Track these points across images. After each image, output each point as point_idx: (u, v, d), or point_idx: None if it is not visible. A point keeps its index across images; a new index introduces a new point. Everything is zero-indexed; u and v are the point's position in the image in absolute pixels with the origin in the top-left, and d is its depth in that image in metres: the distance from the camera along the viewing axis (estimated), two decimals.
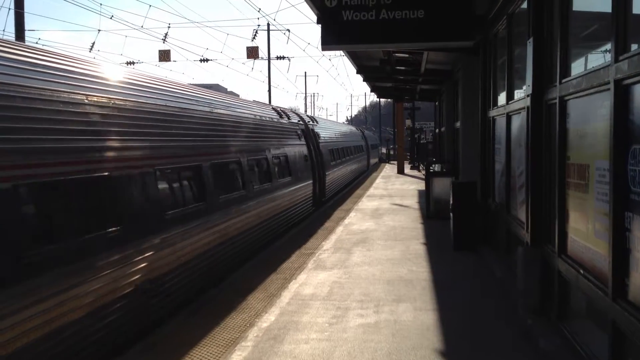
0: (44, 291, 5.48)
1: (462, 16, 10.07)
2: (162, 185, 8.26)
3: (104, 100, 7.15)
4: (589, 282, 5.58)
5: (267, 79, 46.33)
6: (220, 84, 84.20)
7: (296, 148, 17.75)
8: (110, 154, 6.99)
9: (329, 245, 12.98)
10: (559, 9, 6.76)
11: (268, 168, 14.14)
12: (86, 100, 6.78)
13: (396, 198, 22.89)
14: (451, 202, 12.48)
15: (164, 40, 29.79)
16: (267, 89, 44.96)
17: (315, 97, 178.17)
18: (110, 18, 26.60)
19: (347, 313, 7.98)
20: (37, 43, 28.67)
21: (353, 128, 42.45)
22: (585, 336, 5.97)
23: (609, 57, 5.19)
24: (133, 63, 34.70)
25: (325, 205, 21.24)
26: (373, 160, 46.13)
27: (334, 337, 7.02)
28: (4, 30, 23.87)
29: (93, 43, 36.11)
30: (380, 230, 14.98)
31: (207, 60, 36.47)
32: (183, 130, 9.21)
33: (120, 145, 7.24)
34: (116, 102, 7.39)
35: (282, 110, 18.53)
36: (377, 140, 70.81)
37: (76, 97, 6.59)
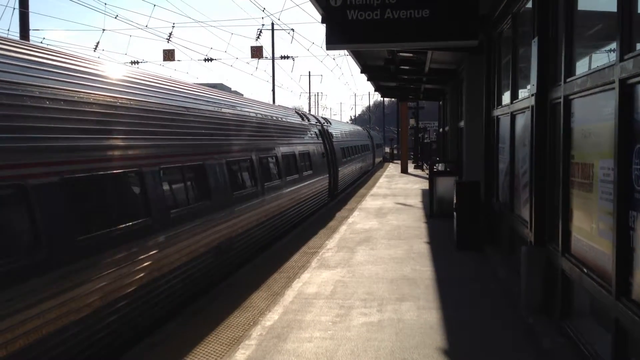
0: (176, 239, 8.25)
1: (467, 16, 10.06)
2: (230, 174, 11.04)
3: (184, 109, 9.49)
4: (592, 280, 5.58)
5: (271, 78, 46.38)
6: (224, 83, 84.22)
7: (315, 146, 20.03)
8: (214, 149, 10.42)
9: (333, 244, 13.00)
10: (564, 8, 6.76)
11: (296, 163, 16.73)
12: (186, 111, 9.51)
13: (400, 197, 22.88)
14: (455, 201, 12.48)
15: (169, 39, 29.86)
16: (271, 88, 44.98)
17: (319, 97, 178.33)
18: (115, 18, 26.66)
19: (350, 312, 7.99)
20: (41, 43, 28.74)
21: (360, 128, 44.64)
22: (588, 335, 5.97)
23: (613, 56, 5.19)
24: (137, 62, 34.75)
25: (338, 197, 23.58)
26: (378, 159, 48.97)
27: (337, 336, 7.03)
28: (8, 30, 23.94)
29: (97, 43, 36.17)
30: (384, 229, 14.99)
31: (211, 59, 36.51)
32: (242, 133, 12.50)
33: (212, 144, 10.42)
34: (201, 111, 10.21)
35: (302, 113, 21.54)
36: (382, 139, 71.59)
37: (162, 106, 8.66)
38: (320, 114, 69.96)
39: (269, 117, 15.04)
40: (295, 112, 20.67)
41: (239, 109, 12.77)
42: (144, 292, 7.33)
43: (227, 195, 10.58)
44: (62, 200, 5.84)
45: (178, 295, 8.42)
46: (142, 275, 7.24)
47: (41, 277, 5.38)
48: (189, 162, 9.15)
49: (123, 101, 7.52)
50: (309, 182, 17.85)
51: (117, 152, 7.08)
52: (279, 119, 16.21)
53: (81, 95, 6.63)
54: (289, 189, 15.18)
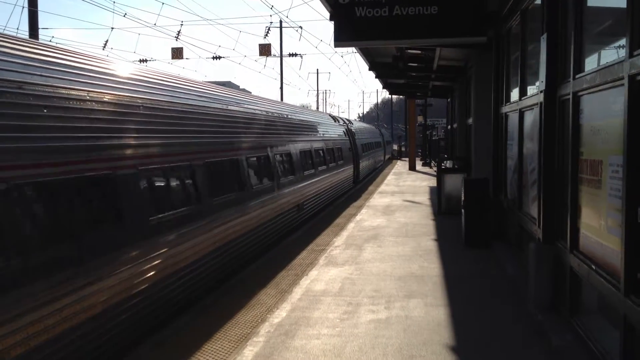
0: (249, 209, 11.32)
1: (475, 12, 10.04)
2: (301, 160, 16.46)
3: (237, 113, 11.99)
4: (601, 277, 5.56)
5: (279, 76, 46.38)
6: (232, 81, 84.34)
7: (344, 143, 25.24)
8: (265, 144, 13.37)
9: (341, 242, 13.00)
10: (573, 4, 6.73)
11: (334, 155, 22.00)
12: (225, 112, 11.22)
13: (407, 194, 22.85)
14: (463, 198, 12.45)
15: (177, 37, 29.97)
16: (280, 86, 45.00)
17: (327, 94, 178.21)
18: (124, 16, 26.71)
19: (358, 309, 7.99)
20: (50, 41, 28.85)
21: (373, 127, 51.18)
22: (597, 332, 5.95)
23: (622, 52, 5.16)
24: (146, 61, 34.84)
25: (359, 184, 28.72)
26: (387, 155, 53.01)
27: (345, 333, 7.04)
28: (17, 29, 24.01)
29: (106, 41, 36.19)
30: (392, 226, 14.97)
31: (219, 57, 36.57)
32: (295, 132, 16.71)
33: (294, 140, 15.87)
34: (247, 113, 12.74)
35: (333, 116, 27.92)
36: (390, 137, 73.66)
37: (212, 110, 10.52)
38: (328, 112, 71.03)
39: (318, 122, 21.37)
40: (329, 115, 27.42)
41: (304, 117, 19.19)
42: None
43: (300, 174, 16.03)
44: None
45: (288, 225, 14.43)
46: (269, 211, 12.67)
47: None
48: (286, 151, 14.93)
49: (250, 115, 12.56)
50: (342, 169, 23.35)
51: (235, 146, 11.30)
52: (324, 123, 22.57)
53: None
54: (331, 173, 20.80)
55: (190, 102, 9.39)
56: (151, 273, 7.18)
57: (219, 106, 10.82)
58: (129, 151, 7.05)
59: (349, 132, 27.25)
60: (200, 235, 8.77)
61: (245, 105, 12.77)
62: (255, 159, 12.32)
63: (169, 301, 7.73)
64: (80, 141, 6.12)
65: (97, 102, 6.61)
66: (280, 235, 13.52)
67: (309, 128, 19.07)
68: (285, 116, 16.20)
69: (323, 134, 21.02)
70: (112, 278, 6.26)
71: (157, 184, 7.92)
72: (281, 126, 15.23)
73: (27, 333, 4.99)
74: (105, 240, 6.29)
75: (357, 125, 35.46)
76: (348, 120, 32.89)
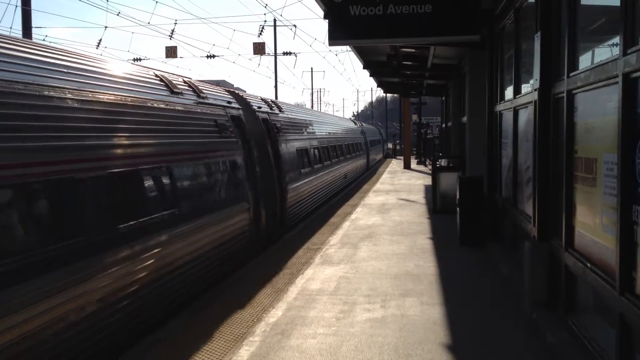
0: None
1: (469, 10, 10.04)
2: (340, 152, 25.64)
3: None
4: (596, 276, 5.57)
5: (273, 74, 46.32)
6: (226, 80, 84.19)
7: (360, 140, 35.15)
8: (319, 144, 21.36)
9: (336, 241, 12.99)
10: (567, 2, 6.74)
11: (355, 147, 31.40)
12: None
13: (403, 193, 22.88)
14: (458, 196, 12.47)
15: (171, 36, 29.90)
16: (274, 84, 44.94)
17: (322, 93, 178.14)
18: (117, 15, 26.70)
19: (354, 308, 7.99)
20: (44, 40, 28.74)
21: (374, 128, 62.26)
22: (592, 330, 5.96)
23: (616, 50, 5.17)
24: (140, 59, 34.74)
25: (369, 170, 38.25)
26: (381, 155, 59.02)
27: (341, 332, 7.03)
28: (11, 28, 23.93)
29: (100, 40, 36.16)
30: (387, 225, 14.98)
31: (213, 56, 36.53)
32: (343, 133, 28.28)
33: (334, 139, 24.98)
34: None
35: (353, 120, 41.38)
36: (385, 135, 76.81)
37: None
38: (322, 111, 72.11)
39: (348, 126, 31.95)
40: (351, 120, 40.45)
41: (344, 124, 30.80)
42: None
43: (345, 157, 26.12)
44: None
45: (324, 196, 20.75)
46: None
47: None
48: (330, 144, 22.81)
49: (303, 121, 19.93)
50: (358, 160, 32.55)
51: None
52: (350, 126, 33.63)
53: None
54: (355, 159, 30.43)
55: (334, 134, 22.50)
56: None
57: (332, 129, 25.54)
58: None
59: (362, 132, 37.74)
60: (347, 166, 26.36)
61: (337, 123, 29.52)
62: (335, 147, 24.48)
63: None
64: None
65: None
66: (342, 187, 25.50)
67: (347, 130, 30.66)
68: (342, 126, 29.96)
69: (350, 134, 31.38)
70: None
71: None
72: (341, 130, 28.27)
73: None
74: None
75: (366, 126, 47.48)
76: (361, 123, 47.08)
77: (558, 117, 7.16)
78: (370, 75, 24.70)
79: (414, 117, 48.72)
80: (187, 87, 10.19)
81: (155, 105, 8.45)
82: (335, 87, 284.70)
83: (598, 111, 5.84)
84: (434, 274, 9.75)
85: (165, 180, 8.24)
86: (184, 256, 8.36)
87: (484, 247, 11.74)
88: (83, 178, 6.21)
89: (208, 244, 9.29)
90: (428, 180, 24.29)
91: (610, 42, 5.88)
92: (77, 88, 6.60)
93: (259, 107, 14.53)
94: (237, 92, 13.98)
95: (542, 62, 7.45)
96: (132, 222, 6.96)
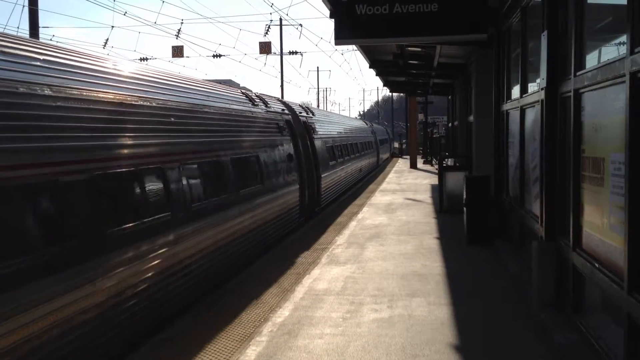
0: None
1: (476, 9, 10.03)
2: (357, 149, 29.22)
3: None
4: (604, 275, 5.55)
5: (279, 74, 46.37)
6: (232, 79, 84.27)
7: (371, 138, 38.22)
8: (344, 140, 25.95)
9: (343, 240, 12.99)
10: (574, 1, 6.71)
11: (366, 146, 34.09)
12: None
13: (409, 193, 22.85)
14: (464, 196, 12.45)
15: (177, 36, 30.01)
16: (280, 84, 44.98)
17: (328, 92, 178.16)
18: (124, 14, 26.80)
19: (361, 308, 7.99)
20: (51, 40, 28.84)
21: (382, 127, 66.24)
22: (600, 330, 5.94)
23: (623, 49, 5.15)
24: (146, 59, 34.82)
25: (379, 167, 41.56)
26: (389, 152, 62.17)
27: (348, 332, 7.03)
28: (18, 27, 24.00)
29: (107, 39, 36.28)
30: (394, 225, 14.97)
31: (219, 55, 36.55)
32: (357, 134, 31.57)
33: (353, 138, 29.34)
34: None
35: (365, 121, 46.99)
36: (392, 134, 77.74)
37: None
38: (329, 109, 72.86)
39: (360, 126, 36.18)
40: (363, 121, 45.16)
41: (358, 125, 35.49)
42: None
43: (357, 155, 28.31)
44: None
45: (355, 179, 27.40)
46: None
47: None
48: (349, 142, 26.00)
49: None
50: (371, 157, 36.15)
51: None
52: (362, 127, 37.42)
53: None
54: (365, 158, 32.73)
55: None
56: None
57: (350, 130, 29.10)
58: None
59: (373, 132, 41.14)
60: (362, 161, 30.80)
61: (353, 125, 33.52)
62: (352, 145, 27.86)
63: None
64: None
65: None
66: (359, 179, 29.47)
67: (361, 130, 34.51)
68: (357, 127, 34.05)
69: (364, 133, 35.09)
70: None
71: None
72: (357, 131, 32.10)
73: None
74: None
75: (376, 126, 51.16)
76: (371, 123, 51.70)
77: (565, 116, 7.13)
78: (377, 75, 24.68)
79: (420, 117, 48.68)
80: (259, 100, 13.97)
81: (246, 114, 12.36)
82: (341, 86, 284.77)
83: (605, 110, 5.82)
84: (441, 274, 9.73)
85: (254, 165, 11.96)
86: (265, 216, 12.04)
87: (491, 247, 11.72)
88: (222, 162, 10.03)
89: (277, 211, 13.04)
90: (434, 180, 24.25)
91: (617, 41, 5.86)
92: (213, 104, 10.49)
93: (300, 112, 18.03)
94: (285, 101, 18.42)
95: (549, 61, 7.42)
96: (247, 188, 11.11)
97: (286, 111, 16.04)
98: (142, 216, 7.05)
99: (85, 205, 6.00)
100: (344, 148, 24.65)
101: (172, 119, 8.48)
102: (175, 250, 7.78)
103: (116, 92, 7.12)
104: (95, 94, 6.68)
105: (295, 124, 16.38)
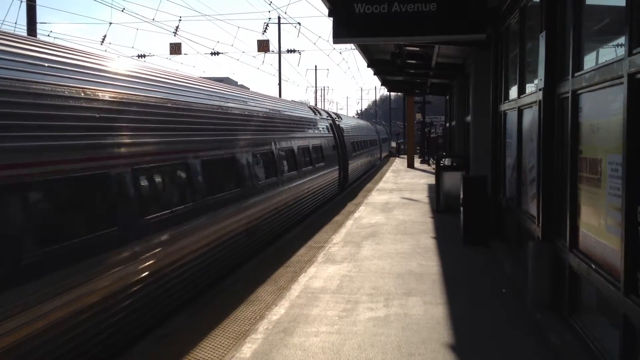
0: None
1: (474, 9, 10.03)
2: (374, 145, 41.19)
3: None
4: (600, 276, 5.56)
5: (277, 72, 46.35)
6: (230, 77, 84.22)
7: (375, 137, 43.16)
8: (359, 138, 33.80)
9: (339, 239, 12.99)
10: (572, 2, 6.72)
11: (372, 143, 39.80)
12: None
13: (406, 192, 22.86)
14: (461, 196, 12.46)
15: (175, 33, 29.92)
16: (278, 82, 44.96)
17: (326, 91, 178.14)
18: (122, 11, 26.76)
19: (357, 306, 7.99)
20: (48, 36, 28.77)
21: (383, 128, 74.06)
22: (596, 331, 5.96)
23: (621, 50, 5.16)
24: (144, 56, 34.78)
25: (382, 161, 48.12)
26: (388, 149, 67.54)
27: (344, 331, 7.03)
28: (15, 23, 24.00)
29: (104, 36, 36.19)
30: (390, 224, 14.97)
31: (217, 53, 36.56)
32: (367, 135, 38.01)
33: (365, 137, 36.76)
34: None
35: (371, 122, 59.31)
36: (389, 134, 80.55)
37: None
38: (326, 108, 74.43)
39: (371, 127, 45.11)
40: (369, 123, 51.81)
41: (368, 125, 44.65)
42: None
43: (367, 149, 35.65)
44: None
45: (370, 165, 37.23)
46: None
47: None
48: (362, 139, 33.53)
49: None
50: (376, 152, 42.37)
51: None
52: (371, 127, 43.74)
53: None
54: (372, 152, 39.06)
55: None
56: None
57: (362, 129, 36.78)
58: None
59: (377, 132, 47.95)
60: (371, 155, 38.38)
61: (364, 126, 40.78)
62: (364, 141, 35.01)
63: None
64: None
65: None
66: (369, 168, 35.91)
67: (369, 130, 40.37)
68: (367, 127, 39.92)
69: (371, 132, 41.40)
70: None
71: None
72: (366, 130, 38.30)
73: None
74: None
75: (378, 127, 59.66)
76: (375, 124, 59.75)
77: (563, 117, 7.14)
78: (375, 74, 24.71)
79: (418, 116, 48.71)
80: (316, 111, 22.56)
81: (313, 121, 19.92)
82: (339, 85, 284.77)
83: (603, 111, 5.83)
84: (438, 273, 9.74)
85: (316, 152, 18.86)
86: (320, 185, 18.79)
87: (487, 247, 11.73)
88: (298, 149, 16.09)
89: (329, 181, 20.62)
90: (431, 179, 24.27)
91: (615, 43, 5.87)
92: (292, 112, 16.84)
93: (335, 118, 25.76)
94: (327, 110, 28.48)
95: (547, 62, 7.43)
96: (316, 165, 18.14)
97: (328, 117, 24.04)
98: (267, 176, 12.98)
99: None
100: (359, 144, 31.96)
101: (290, 125, 16.24)
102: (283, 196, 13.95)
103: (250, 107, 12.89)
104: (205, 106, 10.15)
105: (335, 126, 24.02)
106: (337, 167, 22.40)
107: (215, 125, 10.18)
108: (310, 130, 18.90)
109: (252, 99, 13.56)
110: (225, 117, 10.82)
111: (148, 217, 7.21)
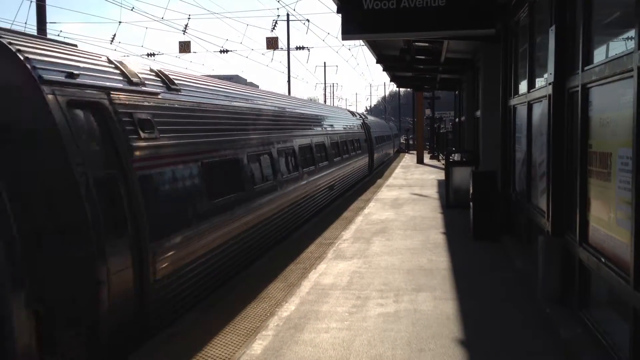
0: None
1: (484, 4, 9.99)
2: (378, 138, 38.96)
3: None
4: (610, 270, 5.54)
5: (286, 69, 46.35)
6: (239, 74, 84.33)
7: (390, 132, 49.80)
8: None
9: (349, 235, 13.00)
10: None
11: (387, 139, 44.96)
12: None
13: (415, 188, 22.84)
14: (471, 191, 12.43)
15: (184, 31, 30.04)
16: (287, 79, 44.99)
17: (335, 87, 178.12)
18: (132, 10, 26.86)
19: (367, 302, 8.00)
20: (58, 36, 28.91)
21: (394, 125, 75.99)
22: (606, 325, 5.94)
23: (631, 44, 5.13)
24: (154, 55, 34.87)
25: (395, 154, 52.98)
26: (398, 145, 71.31)
27: (354, 327, 7.05)
28: (25, 23, 24.14)
29: (114, 35, 36.33)
30: (400, 220, 14.97)
31: (227, 51, 36.53)
32: (383, 131, 44.03)
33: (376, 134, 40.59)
34: None
35: (387, 119, 76.23)
36: (398, 130, 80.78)
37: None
38: (336, 105, 74.75)
39: (387, 125, 53.83)
40: (384, 121, 58.17)
41: (383, 122, 54.78)
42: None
43: (385, 143, 41.87)
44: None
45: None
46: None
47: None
48: (381, 135, 40.07)
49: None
50: (390, 146, 47.14)
51: None
52: (387, 125, 53.99)
53: None
54: (388, 145, 44.69)
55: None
56: None
57: (381, 126, 44.63)
58: None
59: (391, 128, 55.15)
60: (388, 147, 45.13)
61: (381, 123, 49.48)
62: (382, 136, 40.97)
63: None
64: None
65: None
66: (386, 158, 42.35)
67: (384, 126, 46.44)
68: (383, 124, 48.79)
69: (387, 129, 47.18)
70: None
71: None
72: (384, 127, 45.36)
73: None
74: None
75: (391, 124, 66.84)
76: (390, 121, 67.94)
77: (572, 111, 7.12)
78: (384, 70, 24.64)
79: (427, 112, 48.61)
80: (352, 113, 31.85)
81: (352, 123, 27.77)
82: (348, 81, 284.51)
83: (613, 105, 5.80)
84: (447, 269, 9.74)
85: (357, 142, 26.88)
86: (360, 166, 27.06)
87: (497, 242, 11.71)
88: (348, 142, 24.27)
89: (361, 165, 27.54)
90: (441, 175, 24.21)
91: (625, 36, 5.84)
92: (342, 117, 26.10)
93: (363, 118, 33.83)
94: (359, 112, 38.12)
95: (556, 56, 7.40)
96: (357, 152, 26.35)
97: (360, 117, 32.09)
98: (356, 149, 25.69)
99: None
100: (379, 138, 37.97)
101: (344, 126, 24.46)
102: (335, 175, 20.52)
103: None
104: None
105: (365, 124, 31.42)
106: (367, 154, 29.90)
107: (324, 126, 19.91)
108: (353, 129, 26.81)
109: (324, 110, 23.22)
110: (318, 121, 19.67)
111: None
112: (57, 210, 5.57)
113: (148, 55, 34.45)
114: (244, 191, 10.36)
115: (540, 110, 9.04)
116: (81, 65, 6.67)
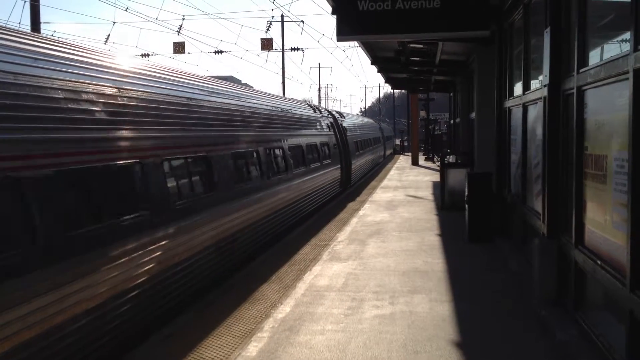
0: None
1: (478, 6, 10.00)
2: (362, 143, 31.57)
3: None
4: (606, 273, 5.54)
5: (281, 70, 46.32)
6: (234, 75, 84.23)
7: (379, 136, 44.11)
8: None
9: (344, 237, 12.99)
10: None
11: (374, 143, 38.14)
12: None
13: (410, 189, 22.84)
14: (466, 193, 12.43)
15: (179, 32, 29.91)
16: (281, 80, 45.00)
17: (329, 89, 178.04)
18: (126, 10, 26.80)
19: (362, 304, 7.99)
20: (52, 35, 28.82)
21: (387, 126, 75.79)
22: (602, 327, 5.94)
23: (626, 46, 5.13)
24: (148, 55, 34.79)
25: (386, 158, 48.87)
26: (389, 151, 66.25)
27: (349, 328, 7.03)
28: (19, 23, 24.06)
29: (108, 35, 36.12)
30: (395, 221, 14.96)
31: (221, 52, 36.47)
32: (368, 131, 36.70)
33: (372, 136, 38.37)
34: None
35: (379, 120, 70.23)
36: (393, 132, 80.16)
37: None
38: (330, 106, 74.94)
39: (377, 126, 46.13)
40: (374, 121, 50.82)
41: (369, 123, 42.58)
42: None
43: (372, 147, 35.93)
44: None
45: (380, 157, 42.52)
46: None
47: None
48: (366, 138, 33.60)
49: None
50: (381, 148, 44.22)
51: None
52: (376, 126, 44.73)
53: None
54: (376, 150, 39.23)
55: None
56: None
57: (366, 127, 36.86)
58: None
59: (380, 129, 48.50)
60: (375, 153, 37.79)
61: (368, 123, 40.92)
62: (368, 140, 34.45)
63: None
64: None
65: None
66: (373, 166, 36.35)
67: (372, 128, 40.05)
68: (371, 125, 40.72)
69: (374, 131, 40.34)
70: None
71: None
72: (370, 128, 37.61)
73: None
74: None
75: (383, 125, 61.68)
76: (379, 122, 62.85)
77: (568, 113, 7.12)
78: (378, 71, 24.65)
79: (422, 114, 48.63)
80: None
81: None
82: (343, 83, 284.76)
83: (608, 108, 5.81)
84: (443, 271, 9.73)
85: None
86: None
87: (492, 244, 11.72)
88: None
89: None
90: (436, 177, 24.24)
91: (620, 38, 5.84)
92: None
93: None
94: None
95: (551, 58, 7.40)
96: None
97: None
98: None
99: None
100: (363, 143, 31.83)
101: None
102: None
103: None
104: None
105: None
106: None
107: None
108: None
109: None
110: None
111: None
112: None
113: (142, 55, 34.37)
114: None
115: (535, 112, 9.05)
116: None
